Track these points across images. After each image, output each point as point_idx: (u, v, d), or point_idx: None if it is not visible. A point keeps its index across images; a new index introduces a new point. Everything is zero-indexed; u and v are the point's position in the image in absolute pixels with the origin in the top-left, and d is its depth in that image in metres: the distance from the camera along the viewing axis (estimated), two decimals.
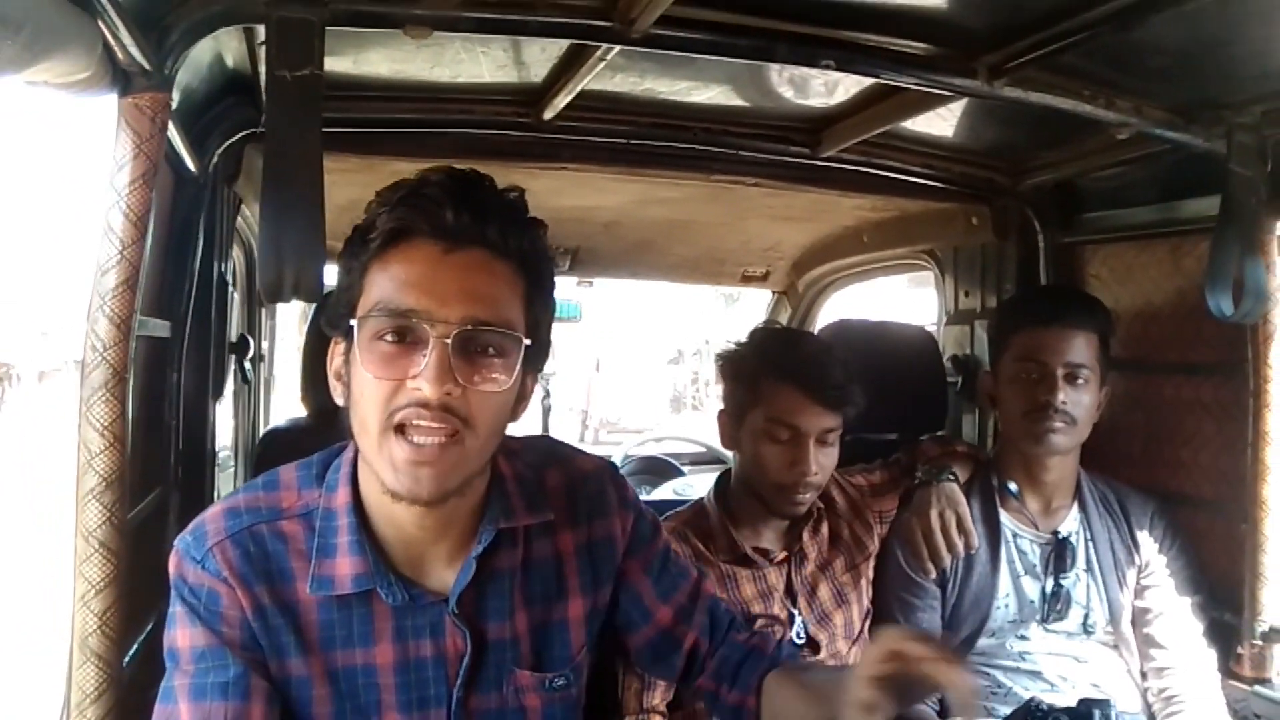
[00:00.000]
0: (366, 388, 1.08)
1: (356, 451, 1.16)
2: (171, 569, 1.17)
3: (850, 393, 1.82)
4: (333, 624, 1.17)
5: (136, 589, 1.33)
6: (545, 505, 1.26)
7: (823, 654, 1.83)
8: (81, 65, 1.05)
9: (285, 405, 2.69)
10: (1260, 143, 1.73)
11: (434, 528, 1.17)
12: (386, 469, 1.08)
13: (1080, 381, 1.93)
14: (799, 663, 1.62)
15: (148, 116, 1.22)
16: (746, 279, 3.52)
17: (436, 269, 1.08)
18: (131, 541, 1.28)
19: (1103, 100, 1.70)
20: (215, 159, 1.75)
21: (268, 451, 2.11)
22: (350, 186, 2.14)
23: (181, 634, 1.15)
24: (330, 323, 1.16)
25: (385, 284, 1.09)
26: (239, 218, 2.16)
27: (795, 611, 1.88)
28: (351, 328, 1.10)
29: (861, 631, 1.97)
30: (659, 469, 3.94)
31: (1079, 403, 1.93)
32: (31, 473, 8.36)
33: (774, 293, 3.65)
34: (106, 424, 1.21)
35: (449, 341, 1.05)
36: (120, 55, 1.15)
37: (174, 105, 1.30)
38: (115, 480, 1.22)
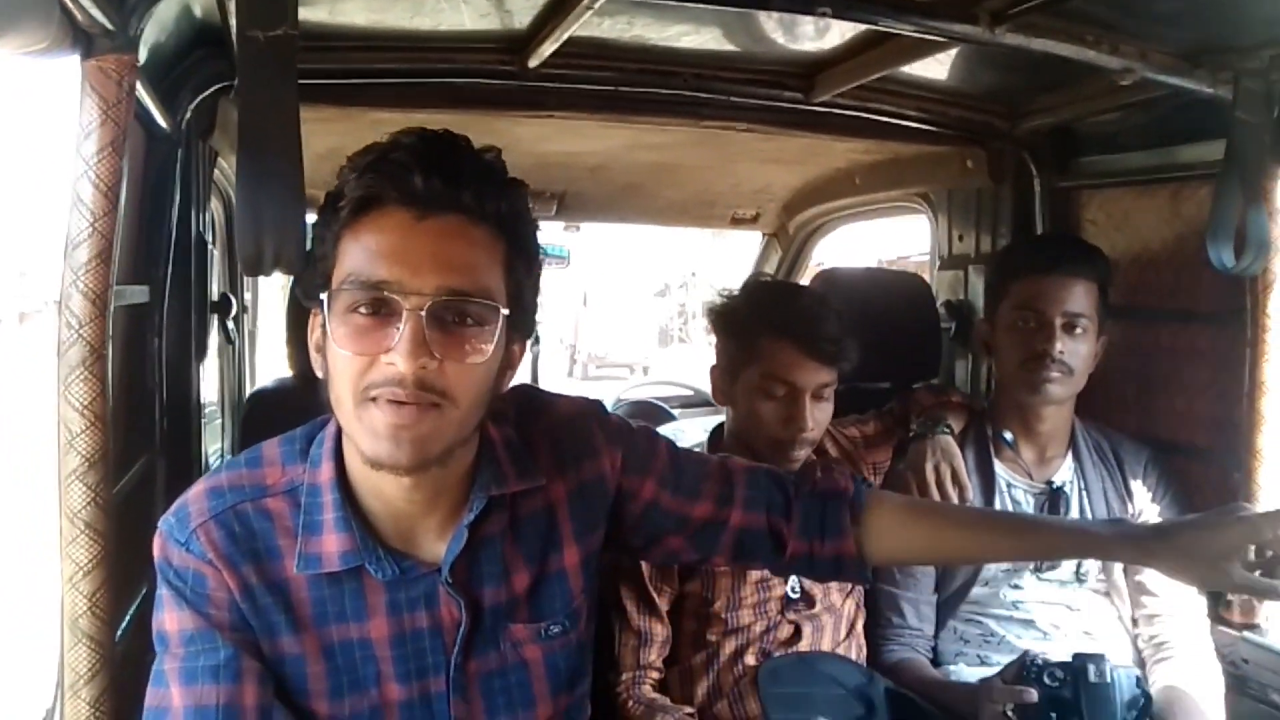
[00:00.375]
0: (340, 362, 1.05)
1: (340, 425, 1.13)
2: (156, 552, 1.14)
3: (846, 347, 1.80)
4: (324, 600, 1.15)
5: (125, 564, 1.31)
6: (536, 469, 1.23)
7: (817, 607, 1.83)
8: (38, 30, 0.99)
9: (271, 361, 2.65)
10: (1267, 89, 1.67)
11: (423, 500, 1.14)
12: (365, 437, 1.05)
13: (1078, 331, 1.91)
14: (913, 499, 1.74)
15: (114, 80, 1.16)
16: (736, 221, 3.47)
17: (408, 238, 1.04)
18: (118, 517, 1.26)
19: (1107, 46, 1.64)
20: (188, 115, 1.69)
21: (254, 412, 2.08)
22: (329, 135, 2.08)
23: (169, 617, 1.12)
24: (306, 294, 1.12)
25: (357, 254, 1.05)
26: (216, 171, 2.10)
27: None
28: (324, 299, 1.06)
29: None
30: (649, 413, 3.93)
31: (1076, 352, 1.91)
32: (9, 424, 8.16)
33: (764, 234, 3.59)
34: (86, 403, 1.17)
35: (423, 314, 1.02)
36: (80, 16, 1.09)
37: (141, 63, 1.24)
38: (98, 460, 1.19)
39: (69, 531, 1.18)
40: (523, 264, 1.12)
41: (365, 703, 1.17)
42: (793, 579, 1.84)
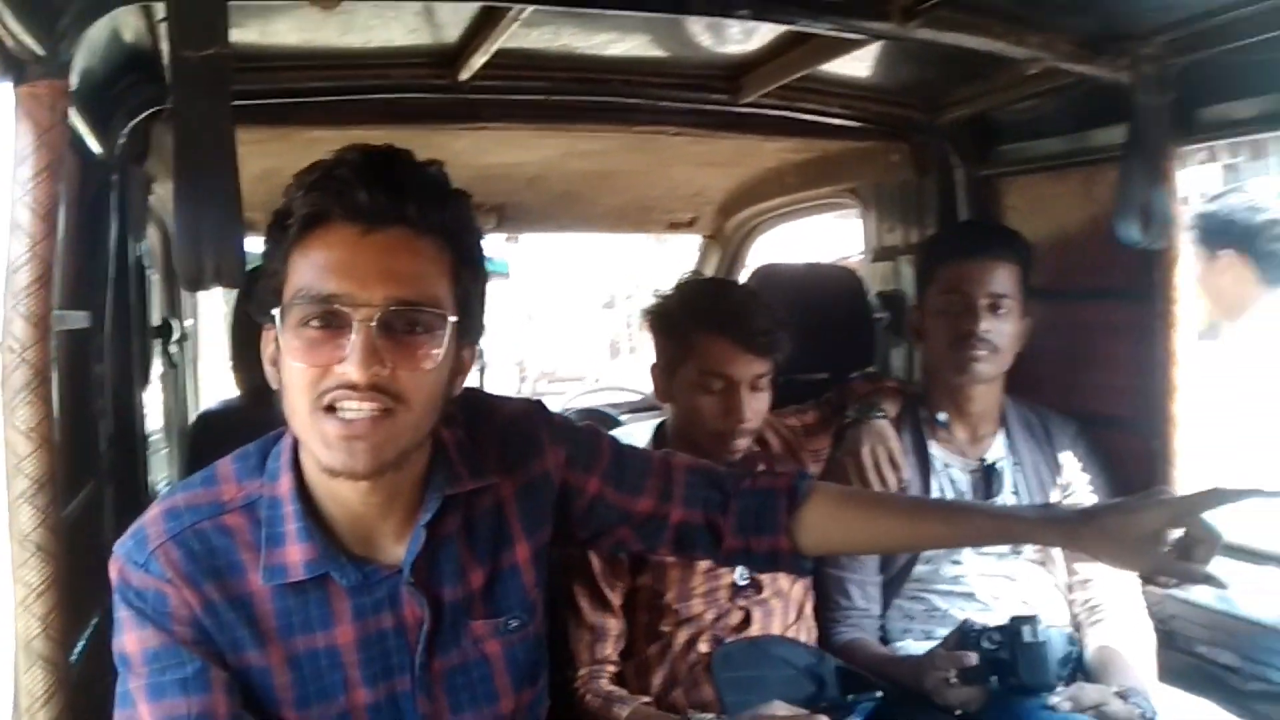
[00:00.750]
0: (294, 375, 1.08)
1: (296, 437, 1.16)
2: (113, 575, 1.14)
3: (778, 338, 1.85)
4: (289, 611, 1.16)
5: (77, 588, 1.31)
6: (487, 469, 1.27)
7: (765, 592, 1.88)
8: None
9: (215, 386, 2.64)
10: (1163, 72, 1.77)
11: (380, 503, 1.17)
12: (320, 446, 1.08)
13: (1002, 311, 1.99)
14: (848, 489, 1.76)
15: (46, 105, 1.18)
16: (674, 225, 3.53)
17: (355, 252, 1.07)
18: (68, 540, 1.26)
19: (1013, 37, 1.73)
20: (122, 140, 1.70)
21: (202, 434, 2.07)
22: (264, 157, 2.09)
23: (130, 638, 1.13)
24: (258, 309, 1.14)
25: (306, 270, 1.07)
26: (151, 197, 2.10)
27: None
28: (275, 315, 1.09)
29: None
30: (595, 420, 3.96)
31: (1001, 331, 1.99)
32: None
33: (703, 237, 3.66)
34: (32, 425, 1.18)
35: (373, 325, 1.05)
36: (9, 42, 1.11)
37: (74, 88, 1.25)
38: (46, 481, 1.19)
39: (19, 554, 1.18)
40: (468, 272, 1.16)
41: (333, 709, 1.18)
42: (740, 567, 1.89)
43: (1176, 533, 1.24)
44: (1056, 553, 2.07)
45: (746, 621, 1.86)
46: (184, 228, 1.15)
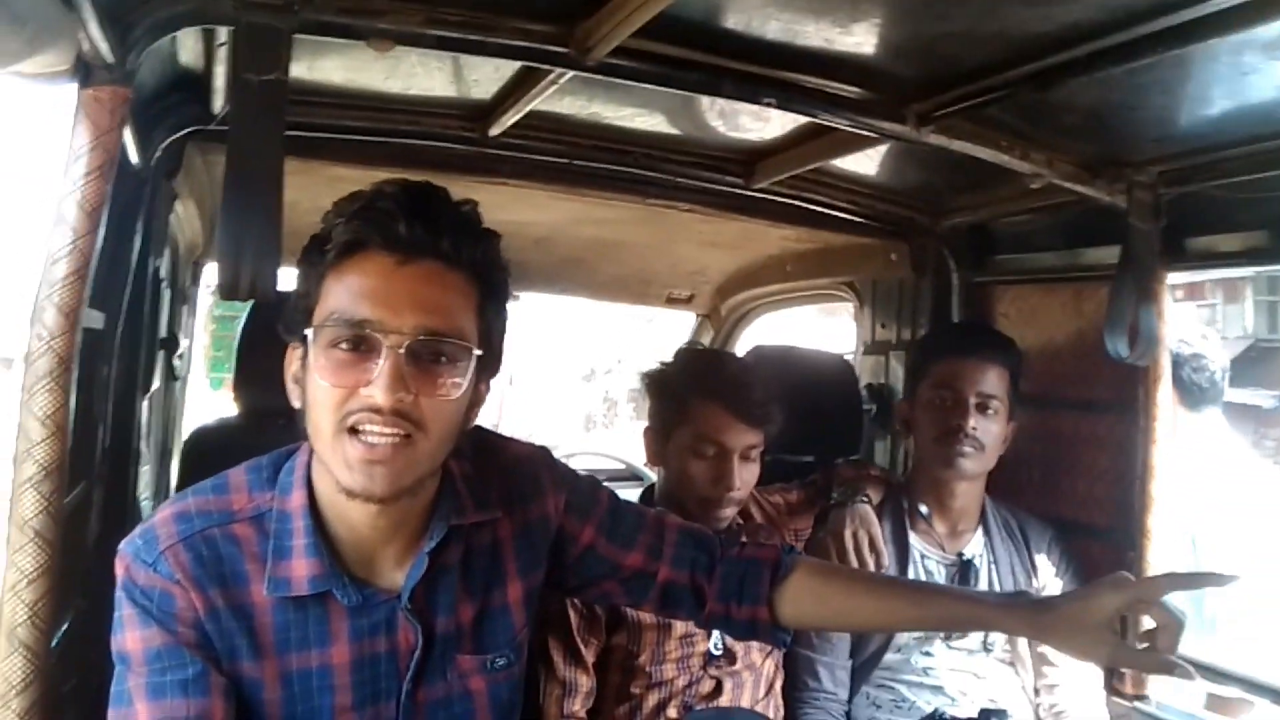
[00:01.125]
0: (321, 393, 1.11)
1: (311, 454, 1.18)
2: (120, 573, 1.16)
3: (771, 411, 1.91)
4: (288, 626, 1.17)
5: (64, 579, 1.31)
6: (492, 503, 1.30)
7: (738, 664, 1.89)
8: (54, 56, 1.06)
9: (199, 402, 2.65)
10: (1156, 200, 1.88)
11: (386, 527, 1.20)
12: (341, 468, 1.11)
13: (990, 411, 2.05)
14: (828, 564, 1.77)
15: (107, 110, 1.23)
16: (671, 301, 3.60)
17: (390, 280, 1.11)
18: (64, 531, 1.27)
19: (1019, 151, 1.83)
20: (159, 153, 1.75)
21: (195, 450, 2.08)
22: (288, 189, 2.15)
23: (132, 637, 1.14)
24: (288, 329, 1.17)
25: (341, 294, 1.12)
26: (170, 215, 2.15)
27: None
28: (307, 335, 1.12)
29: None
30: None
31: (988, 430, 2.05)
32: None
33: (698, 315, 3.73)
34: (49, 413, 1.20)
35: (402, 351, 1.09)
36: (85, 47, 1.16)
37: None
38: (54, 469, 1.21)
39: (17, 539, 1.19)
40: (493, 308, 1.21)
41: None
42: (715, 636, 1.91)
43: (1145, 623, 1.25)
44: (1025, 652, 2.09)
45: (717, 691, 1.87)
46: (227, 240, 1.19)
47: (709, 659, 1.87)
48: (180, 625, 1.13)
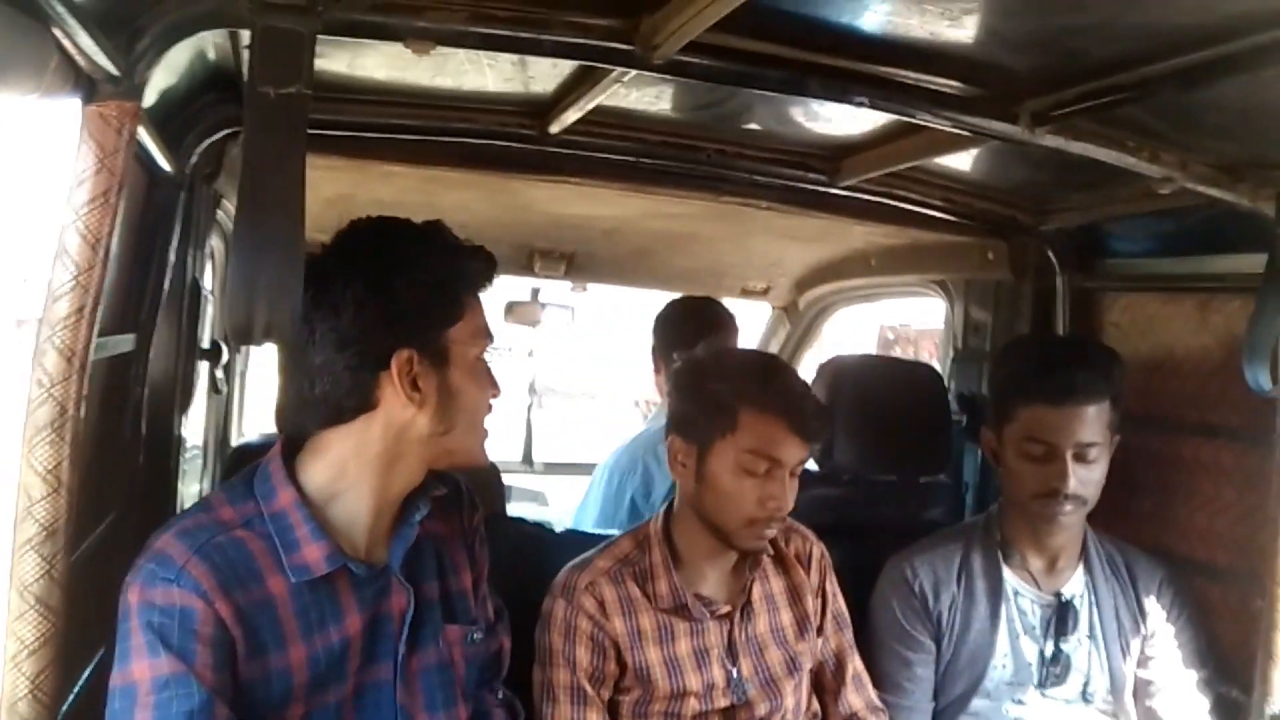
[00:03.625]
0: (475, 399, 1.35)
1: (283, 456, 1.29)
2: (134, 599, 1.17)
3: (825, 423, 1.73)
4: (307, 609, 1.25)
5: (75, 639, 1.21)
6: (449, 484, 1.46)
7: (763, 710, 1.72)
8: (33, 73, 0.93)
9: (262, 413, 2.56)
10: None
11: (387, 512, 1.34)
12: (478, 446, 1.37)
13: (1091, 458, 1.83)
14: None
15: (114, 127, 1.09)
16: (746, 292, 3.41)
17: None
18: (73, 589, 1.16)
19: (1147, 153, 1.59)
20: (194, 158, 1.63)
21: (235, 468, 1.98)
22: (338, 183, 2.03)
23: (140, 667, 1.15)
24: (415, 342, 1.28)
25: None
26: (220, 213, 2.04)
27: (734, 671, 1.72)
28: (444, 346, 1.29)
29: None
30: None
31: (1090, 480, 1.83)
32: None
33: (773, 308, 3.54)
34: (50, 467, 1.08)
35: None
36: (82, 61, 1.03)
37: (149, 105, 1.18)
38: (57, 529, 1.09)
39: (17, 606, 1.08)
40: None
41: (332, 697, 1.28)
42: (734, 685, 1.72)
43: None
44: (1130, 707, 1.89)
45: None
46: (239, 277, 1.05)
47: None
48: (198, 643, 1.16)
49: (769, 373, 1.73)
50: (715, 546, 1.72)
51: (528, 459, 3.75)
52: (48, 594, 1.09)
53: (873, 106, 1.46)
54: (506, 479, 2.26)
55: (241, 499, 1.27)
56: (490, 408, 1.37)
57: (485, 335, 1.34)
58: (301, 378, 1.27)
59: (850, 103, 1.44)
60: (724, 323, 2.75)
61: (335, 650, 1.27)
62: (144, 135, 1.32)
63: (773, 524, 1.68)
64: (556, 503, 3.55)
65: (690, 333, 2.56)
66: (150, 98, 1.22)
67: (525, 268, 3.02)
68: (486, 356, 1.36)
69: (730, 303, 3.03)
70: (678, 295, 2.91)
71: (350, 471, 1.30)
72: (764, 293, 3.39)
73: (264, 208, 1.06)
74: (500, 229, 2.70)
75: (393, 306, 1.24)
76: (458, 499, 1.50)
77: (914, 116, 1.51)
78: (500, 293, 3.68)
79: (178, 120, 1.55)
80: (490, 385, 1.36)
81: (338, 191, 2.25)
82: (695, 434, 1.69)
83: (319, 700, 1.27)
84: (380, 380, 1.26)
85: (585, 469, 3.94)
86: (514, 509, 2.77)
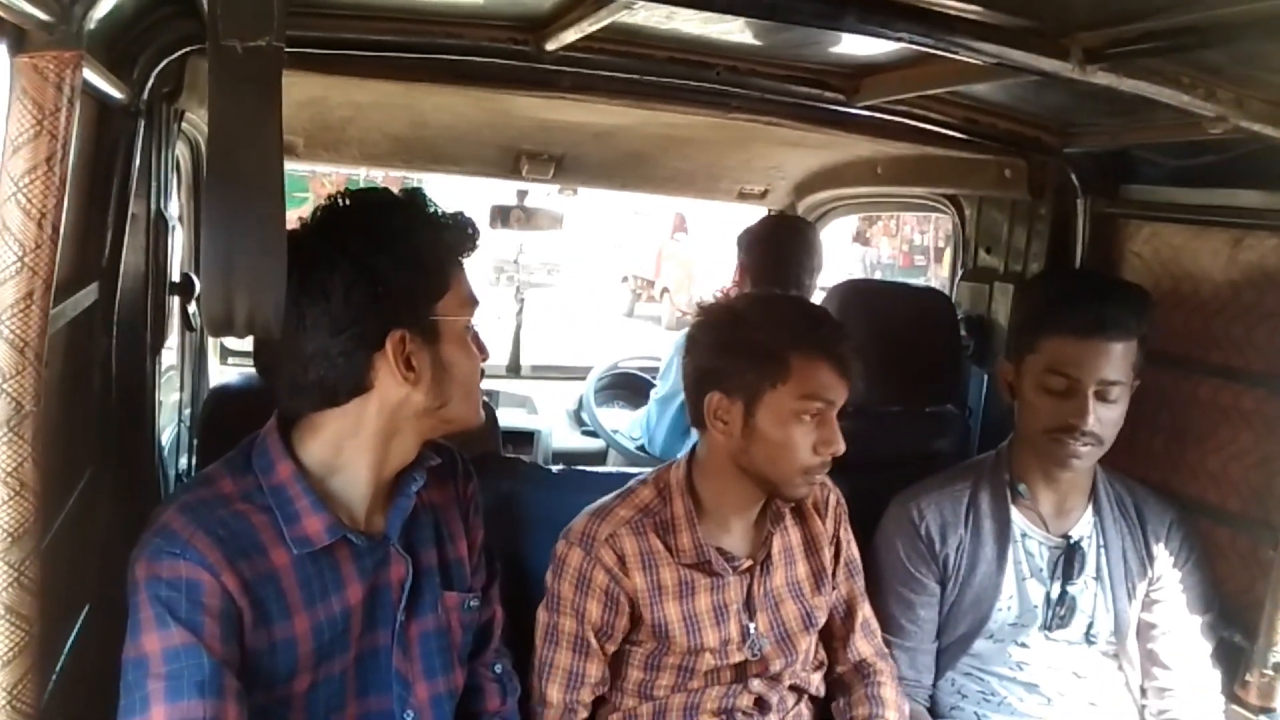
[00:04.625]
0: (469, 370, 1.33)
1: (280, 430, 1.29)
2: (141, 575, 1.17)
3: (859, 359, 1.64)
4: (309, 580, 1.26)
5: (59, 606, 1.18)
6: (443, 453, 1.46)
7: (778, 666, 1.70)
8: None
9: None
10: None
11: (385, 484, 1.34)
12: (474, 411, 1.36)
13: (1113, 398, 1.75)
14: None
15: (51, 81, 0.93)
16: (743, 196, 3.24)
17: None
18: (51, 565, 1.07)
19: (1202, 90, 1.45)
20: (150, 83, 1.46)
21: (215, 412, 1.87)
22: (310, 86, 1.85)
23: (150, 639, 1.16)
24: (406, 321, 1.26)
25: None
26: (185, 126, 1.87)
27: (751, 626, 1.68)
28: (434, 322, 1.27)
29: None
30: (630, 384, 3.71)
31: (1108, 420, 1.76)
32: None
33: (770, 211, 3.39)
34: (10, 469, 0.97)
35: None
36: (3, 9, 0.87)
37: (91, 28, 1.00)
38: (23, 533, 0.99)
39: None
40: None
41: (338, 666, 1.30)
42: (751, 639, 1.68)
43: None
44: (1134, 649, 1.89)
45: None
46: (214, 265, 0.92)
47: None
48: (205, 615, 1.16)
49: (813, 317, 1.65)
50: (747, 499, 1.67)
51: (514, 368, 3.67)
52: (18, 603, 1.00)
53: (912, 42, 1.31)
54: (493, 384, 2.18)
55: (241, 472, 1.28)
56: (482, 373, 1.37)
57: (472, 302, 1.33)
58: (293, 363, 1.23)
59: (889, 37, 1.29)
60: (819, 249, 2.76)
61: (338, 620, 1.29)
62: (91, 65, 1.15)
63: (823, 470, 1.61)
64: (544, 408, 3.47)
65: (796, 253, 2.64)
66: (95, 20, 1.04)
67: (512, 171, 2.85)
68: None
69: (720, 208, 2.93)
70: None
71: (347, 449, 1.30)
72: (761, 196, 3.23)
73: (238, 184, 0.92)
74: (487, 131, 2.54)
75: (381, 287, 1.21)
76: (453, 468, 1.51)
77: (957, 52, 1.36)
78: (486, 195, 3.53)
79: (128, 41, 1.38)
80: (480, 351, 1.37)
81: (312, 94, 2.07)
82: (741, 388, 1.59)
83: (325, 670, 1.29)
84: (374, 362, 1.25)
85: (573, 372, 3.87)
86: (502, 415, 2.72)
